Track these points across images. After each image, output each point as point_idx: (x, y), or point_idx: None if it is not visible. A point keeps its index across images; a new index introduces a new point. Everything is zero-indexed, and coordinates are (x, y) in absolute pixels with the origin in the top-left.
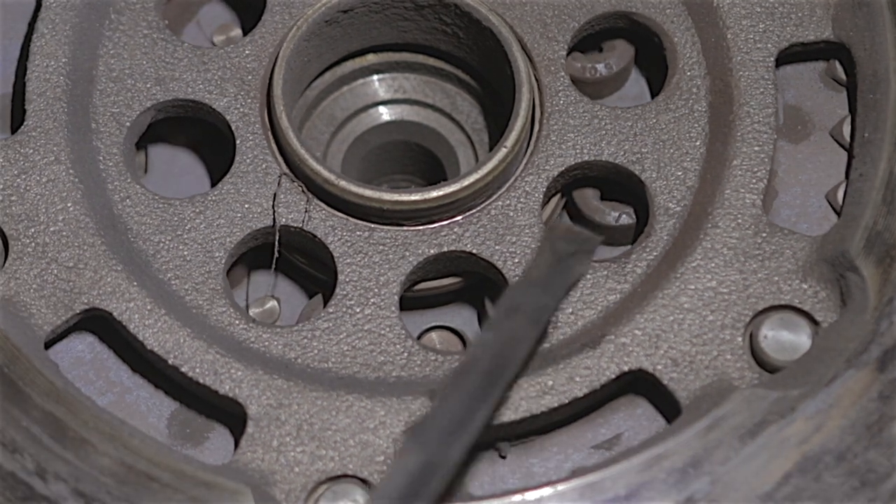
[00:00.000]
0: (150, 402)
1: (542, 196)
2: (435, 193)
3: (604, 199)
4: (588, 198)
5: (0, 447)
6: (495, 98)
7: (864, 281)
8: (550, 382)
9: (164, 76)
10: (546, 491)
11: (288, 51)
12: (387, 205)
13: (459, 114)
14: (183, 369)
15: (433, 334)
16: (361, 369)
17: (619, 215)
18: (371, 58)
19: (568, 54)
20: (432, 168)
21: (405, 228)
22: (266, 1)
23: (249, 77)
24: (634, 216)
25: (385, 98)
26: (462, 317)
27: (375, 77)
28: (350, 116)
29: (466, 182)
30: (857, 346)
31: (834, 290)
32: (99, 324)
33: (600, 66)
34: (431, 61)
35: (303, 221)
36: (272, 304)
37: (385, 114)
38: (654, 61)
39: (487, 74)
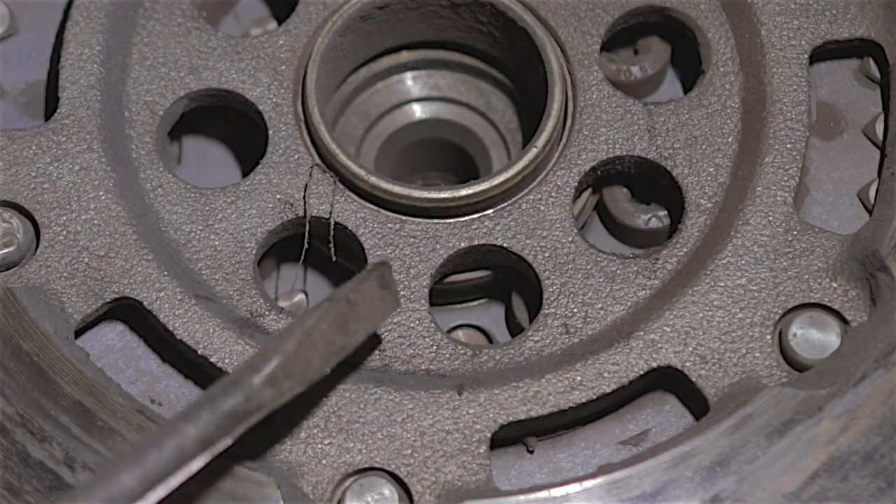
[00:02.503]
0: (179, 392)
1: (573, 191)
2: (465, 192)
3: (634, 197)
4: (618, 199)
5: (29, 436)
6: (529, 98)
7: (895, 280)
8: (579, 378)
9: (197, 65)
10: (573, 487)
11: (323, 45)
12: (416, 202)
13: (494, 113)
14: (212, 359)
15: (460, 332)
16: (390, 362)
17: (650, 218)
18: (406, 55)
19: (601, 49)
20: (465, 166)
21: (436, 221)
22: None
23: (283, 67)
24: (665, 220)
25: (419, 95)
26: (490, 315)
27: (410, 74)
28: (384, 113)
29: (496, 181)
30: (885, 346)
31: (864, 290)
32: (129, 313)
33: (635, 69)
34: (466, 59)
35: (331, 213)
36: (300, 297)
37: (419, 111)
38: (687, 60)
39: (522, 74)
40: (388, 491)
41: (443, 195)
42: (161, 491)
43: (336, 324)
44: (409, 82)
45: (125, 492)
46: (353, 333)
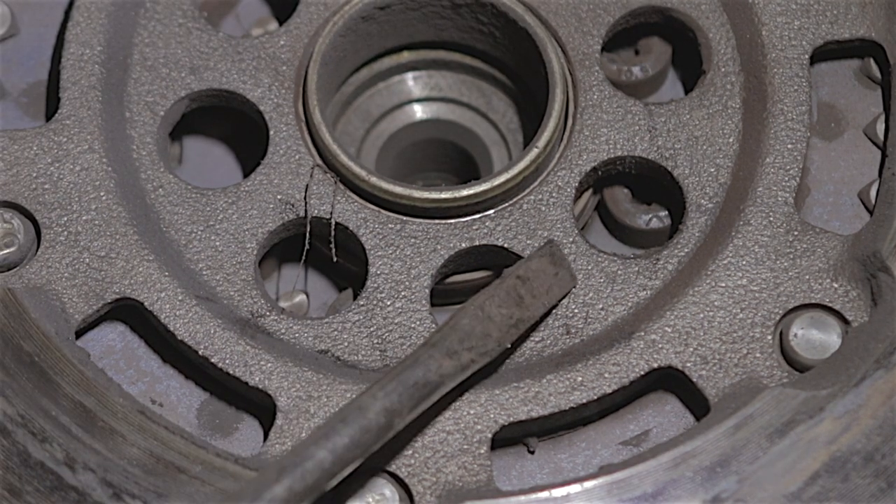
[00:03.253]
0: (179, 393)
1: (574, 191)
2: (465, 192)
3: (635, 197)
4: (619, 199)
5: (29, 436)
6: (530, 98)
7: (895, 281)
8: (580, 378)
9: (198, 65)
10: (573, 488)
11: (324, 46)
12: (417, 202)
13: (495, 113)
14: (213, 360)
15: None
16: (391, 362)
17: (650, 218)
18: (407, 55)
19: (602, 50)
20: (466, 166)
21: (437, 222)
22: None
23: (284, 68)
24: (666, 220)
25: (420, 96)
26: None
27: (411, 74)
28: (385, 113)
29: (497, 181)
30: (886, 346)
31: (865, 290)
32: (130, 313)
33: (636, 69)
34: (468, 60)
35: (331, 213)
36: (301, 297)
37: (420, 111)
38: (688, 60)
39: (523, 74)
40: (389, 491)
41: (444, 196)
42: (352, 466)
43: (509, 298)
44: (410, 83)
45: (320, 466)
46: (530, 307)
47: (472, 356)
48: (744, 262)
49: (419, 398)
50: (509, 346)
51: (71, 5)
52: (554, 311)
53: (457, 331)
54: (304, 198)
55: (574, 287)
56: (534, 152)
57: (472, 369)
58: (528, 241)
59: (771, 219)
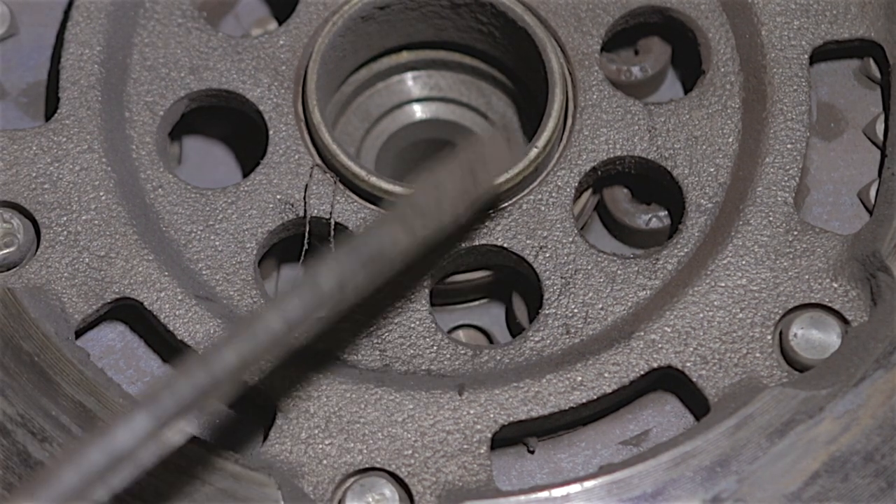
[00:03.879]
0: None
1: (573, 191)
2: None
3: (635, 197)
4: (618, 199)
5: (29, 436)
6: (530, 98)
7: (895, 281)
8: (579, 378)
9: (197, 65)
10: (573, 488)
11: (323, 45)
12: None
13: (494, 113)
14: None
15: (461, 332)
16: (391, 362)
17: (650, 218)
18: (406, 55)
19: (602, 49)
20: None
21: None
22: None
23: (283, 68)
24: (665, 220)
25: (420, 96)
26: (490, 315)
27: (410, 74)
28: (385, 113)
29: (496, 181)
30: (886, 346)
31: (864, 290)
32: (130, 313)
33: (635, 69)
34: (467, 60)
35: (331, 213)
36: None
37: (419, 111)
38: (688, 60)
39: (522, 74)
40: (389, 491)
41: None
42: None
43: (464, 172)
44: (410, 82)
45: (271, 332)
46: (481, 183)
47: (423, 231)
48: (743, 262)
49: (372, 264)
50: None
51: (70, 5)
52: (555, 311)
53: (412, 205)
54: (304, 197)
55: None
56: (533, 152)
57: (423, 237)
58: (528, 241)
59: (770, 219)
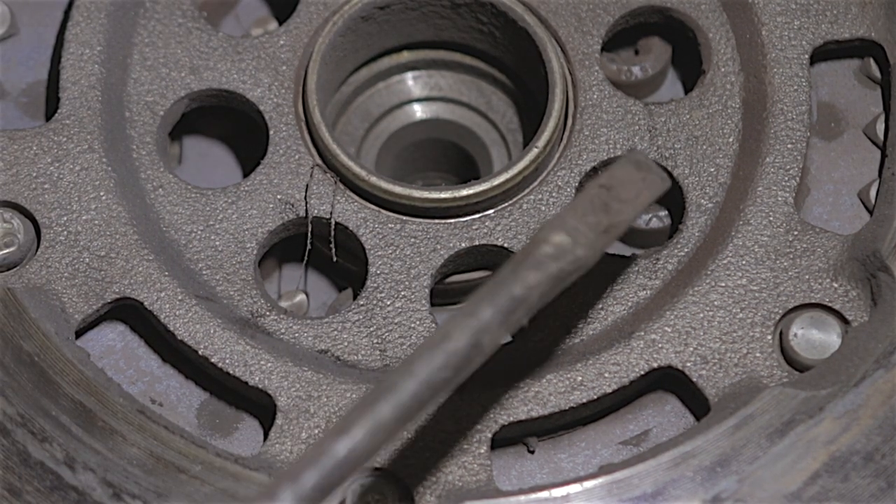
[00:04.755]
0: (179, 392)
1: (574, 191)
2: (466, 192)
3: None
4: None
5: (29, 436)
6: (530, 98)
7: (895, 281)
8: (579, 378)
9: (198, 65)
10: (573, 488)
11: (323, 45)
12: (417, 202)
13: (494, 113)
14: (213, 360)
15: None
16: (391, 362)
17: (650, 218)
18: (407, 55)
19: (602, 49)
20: (466, 166)
21: (437, 222)
22: None
23: (284, 68)
24: (665, 220)
25: (420, 96)
26: None
27: (410, 74)
28: (385, 113)
29: (497, 181)
30: (886, 346)
31: (865, 290)
32: (130, 313)
33: (636, 69)
34: (467, 60)
35: (331, 213)
36: (301, 297)
37: (420, 111)
38: (688, 60)
39: (523, 74)
40: (389, 491)
41: (443, 195)
42: (447, 390)
43: (593, 207)
44: (410, 82)
45: (413, 395)
46: (620, 212)
47: (560, 265)
48: (744, 262)
49: (507, 312)
50: (603, 252)
51: (71, 5)
52: (554, 311)
53: (539, 245)
54: (304, 197)
55: (667, 188)
56: (533, 152)
57: (565, 280)
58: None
59: (771, 218)
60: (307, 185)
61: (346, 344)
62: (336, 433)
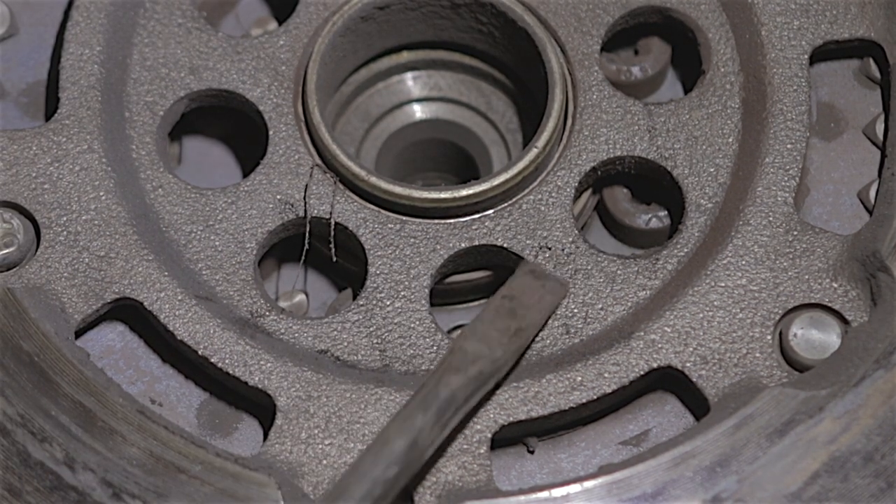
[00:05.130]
0: (179, 393)
1: (573, 191)
2: (465, 192)
3: (634, 197)
4: (618, 199)
5: (29, 436)
6: (530, 98)
7: (895, 281)
8: (579, 378)
9: (197, 65)
10: (573, 488)
11: (323, 45)
12: (417, 202)
13: (494, 113)
14: (213, 360)
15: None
16: (391, 362)
17: (650, 218)
18: (406, 55)
19: (602, 50)
20: (465, 166)
21: (436, 222)
22: None
23: (283, 68)
24: (665, 220)
25: (420, 96)
26: None
27: (410, 74)
28: (385, 113)
29: (497, 181)
30: (886, 346)
31: (864, 290)
32: (129, 313)
33: (635, 69)
34: (467, 60)
35: (331, 213)
36: (301, 297)
37: (419, 111)
38: (688, 60)
39: (522, 74)
40: None
41: (443, 195)
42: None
43: (500, 315)
44: (410, 82)
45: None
46: (525, 317)
47: (478, 367)
48: (743, 262)
49: (438, 413)
50: (517, 356)
51: (70, 5)
52: (555, 311)
53: (456, 353)
54: (304, 198)
55: (566, 292)
56: (533, 152)
57: (486, 383)
58: (528, 241)
59: (770, 219)
60: (307, 186)
61: (345, 344)
62: None
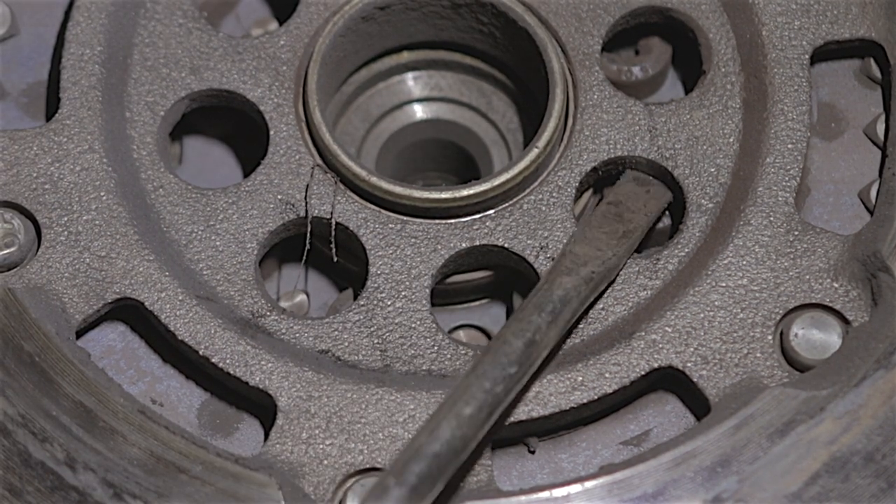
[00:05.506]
0: (180, 393)
1: (574, 191)
2: (466, 192)
3: None
4: None
5: (30, 436)
6: (530, 98)
7: (895, 281)
8: (580, 378)
9: (198, 65)
10: (574, 488)
11: (324, 46)
12: (418, 202)
13: (495, 113)
14: (213, 360)
15: (461, 333)
16: (392, 362)
17: None
18: (407, 55)
19: (602, 50)
20: (466, 166)
21: (437, 222)
22: None
23: (284, 68)
24: (666, 220)
25: (420, 96)
26: (490, 315)
27: (411, 74)
28: (385, 113)
29: (498, 181)
30: (887, 346)
31: (865, 290)
32: (130, 313)
33: (636, 70)
34: (468, 60)
35: (331, 213)
36: (301, 297)
37: (420, 111)
38: (688, 60)
39: (523, 74)
40: None
41: (444, 195)
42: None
43: (607, 220)
44: (410, 83)
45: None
46: (632, 220)
47: (590, 268)
48: (744, 262)
49: (554, 314)
50: (626, 259)
51: (71, 5)
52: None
53: (566, 255)
54: (305, 198)
55: (671, 198)
56: (534, 152)
57: (598, 285)
58: (529, 241)
59: (771, 219)
60: (307, 186)
61: (346, 344)
62: (426, 430)
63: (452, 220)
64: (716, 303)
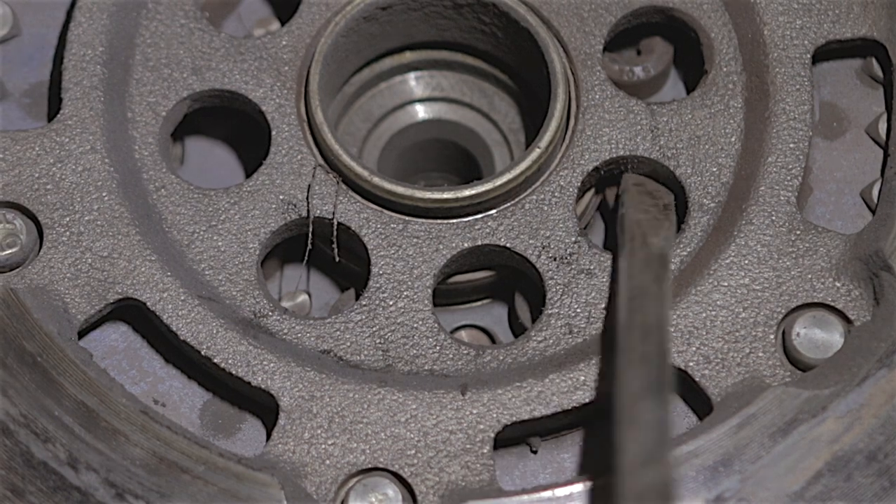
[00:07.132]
0: (182, 393)
1: (576, 191)
2: (468, 192)
3: None
4: None
5: (32, 436)
6: (532, 98)
7: None
8: (583, 378)
9: (200, 66)
10: (576, 487)
11: (326, 46)
12: (420, 202)
13: (497, 113)
14: (216, 360)
15: (463, 332)
16: (394, 362)
17: None
18: (409, 55)
19: (604, 50)
20: (468, 166)
21: (439, 222)
22: None
23: (286, 68)
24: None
25: (422, 96)
26: (493, 315)
27: (413, 75)
28: (387, 113)
29: (499, 181)
30: (889, 345)
31: (867, 289)
32: (132, 313)
33: (638, 70)
34: (469, 60)
35: (333, 213)
36: (303, 297)
37: (422, 112)
38: (690, 60)
39: (525, 74)
40: (392, 491)
41: (446, 196)
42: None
43: (643, 198)
44: (412, 83)
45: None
46: (664, 195)
47: (654, 241)
48: (746, 262)
49: (660, 280)
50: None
51: (73, 6)
52: (557, 311)
53: (629, 228)
54: (307, 198)
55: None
56: (536, 152)
57: (669, 228)
58: (531, 241)
59: (773, 218)
60: (309, 186)
61: (348, 344)
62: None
63: (454, 220)
64: (718, 302)
